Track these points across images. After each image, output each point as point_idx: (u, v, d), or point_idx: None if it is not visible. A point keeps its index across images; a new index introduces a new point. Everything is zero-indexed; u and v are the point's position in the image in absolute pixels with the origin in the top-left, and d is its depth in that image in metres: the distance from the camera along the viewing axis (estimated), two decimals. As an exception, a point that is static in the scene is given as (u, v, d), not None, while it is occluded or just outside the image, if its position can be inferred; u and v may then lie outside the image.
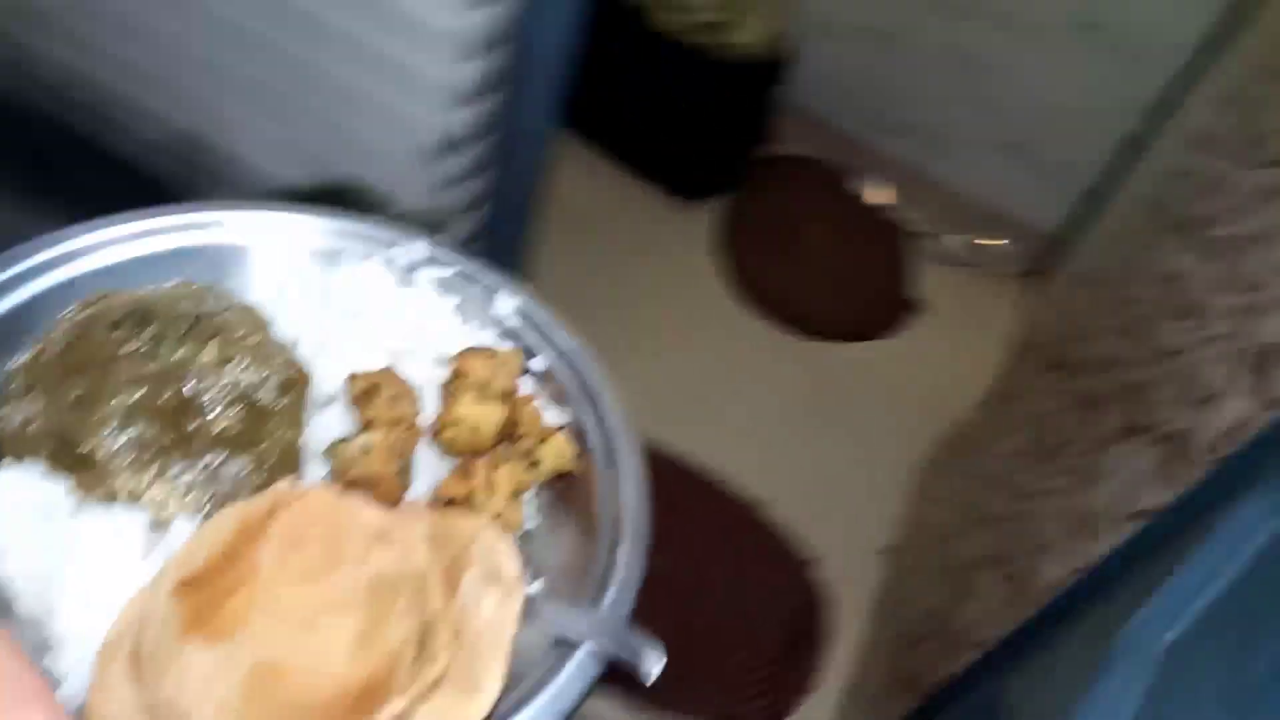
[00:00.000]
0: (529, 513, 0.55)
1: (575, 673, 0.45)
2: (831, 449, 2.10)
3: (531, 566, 0.52)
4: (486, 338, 0.60)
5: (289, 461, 0.52)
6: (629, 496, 0.53)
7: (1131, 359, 1.17)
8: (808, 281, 2.44)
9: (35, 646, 0.43)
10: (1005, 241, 2.62)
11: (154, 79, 1.03)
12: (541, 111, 0.99)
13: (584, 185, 2.42)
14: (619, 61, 2.30)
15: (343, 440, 0.52)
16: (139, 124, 1.08)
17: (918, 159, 2.68)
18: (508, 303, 0.61)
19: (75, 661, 0.43)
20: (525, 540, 0.54)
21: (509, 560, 0.46)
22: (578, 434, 0.57)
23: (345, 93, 0.93)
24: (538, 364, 0.59)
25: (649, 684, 0.44)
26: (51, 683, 0.43)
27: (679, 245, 2.44)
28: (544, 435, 0.54)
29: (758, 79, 2.38)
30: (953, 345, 2.43)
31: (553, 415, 0.58)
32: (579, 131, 2.49)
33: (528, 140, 1.00)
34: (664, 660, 0.44)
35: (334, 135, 1.00)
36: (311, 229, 0.61)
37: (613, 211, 2.45)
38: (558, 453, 0.54)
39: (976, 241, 2.63)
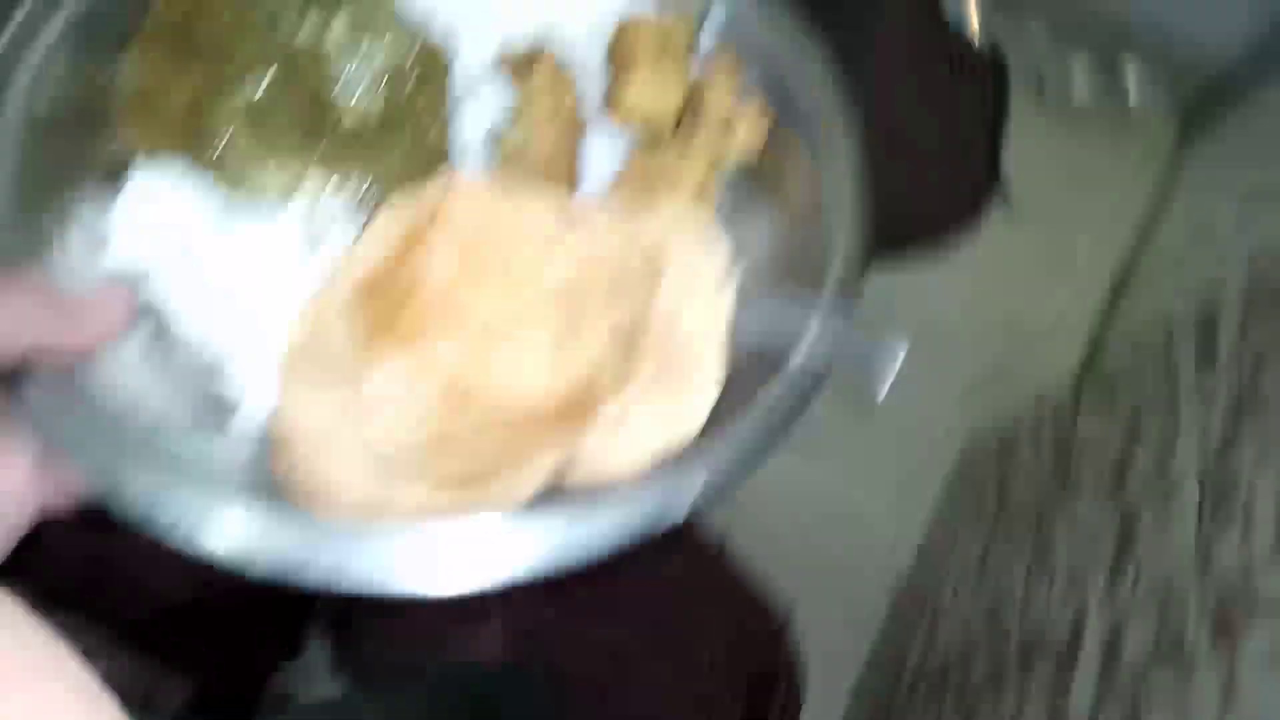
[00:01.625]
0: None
1: (795, 380, 0.39)
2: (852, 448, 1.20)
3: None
4: (646, 4, 0.51)
5: (438, 154, 0.45)
6: (838, 174, 0.45)
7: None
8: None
9: (201, 371, 0.40)
10: (1150, 79, 1.45)
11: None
12: None
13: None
14: None
15: (505, 125, 0.45)
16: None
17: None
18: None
19: (248, 380, 0.39)
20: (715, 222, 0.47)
21: (714, 252, 0.40)
22: (774, 100, 0.48)
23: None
24: (709, 36, 0.50)
25: (880, 399, 0.38)
26: (227, 407, 0.40)
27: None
28: (733, 113, 0.46)
29: None
30: (1058, 253, 1.33)
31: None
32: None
33: None
34: (898, 364, 0.38)
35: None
36: None
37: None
38: (752, 127, 0.46)
39: (1107, 76, 1.46)
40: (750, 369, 0.40)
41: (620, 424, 0.36)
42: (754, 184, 0.48)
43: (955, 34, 1.12)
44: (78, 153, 0.42)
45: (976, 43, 1.16)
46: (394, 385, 0.36)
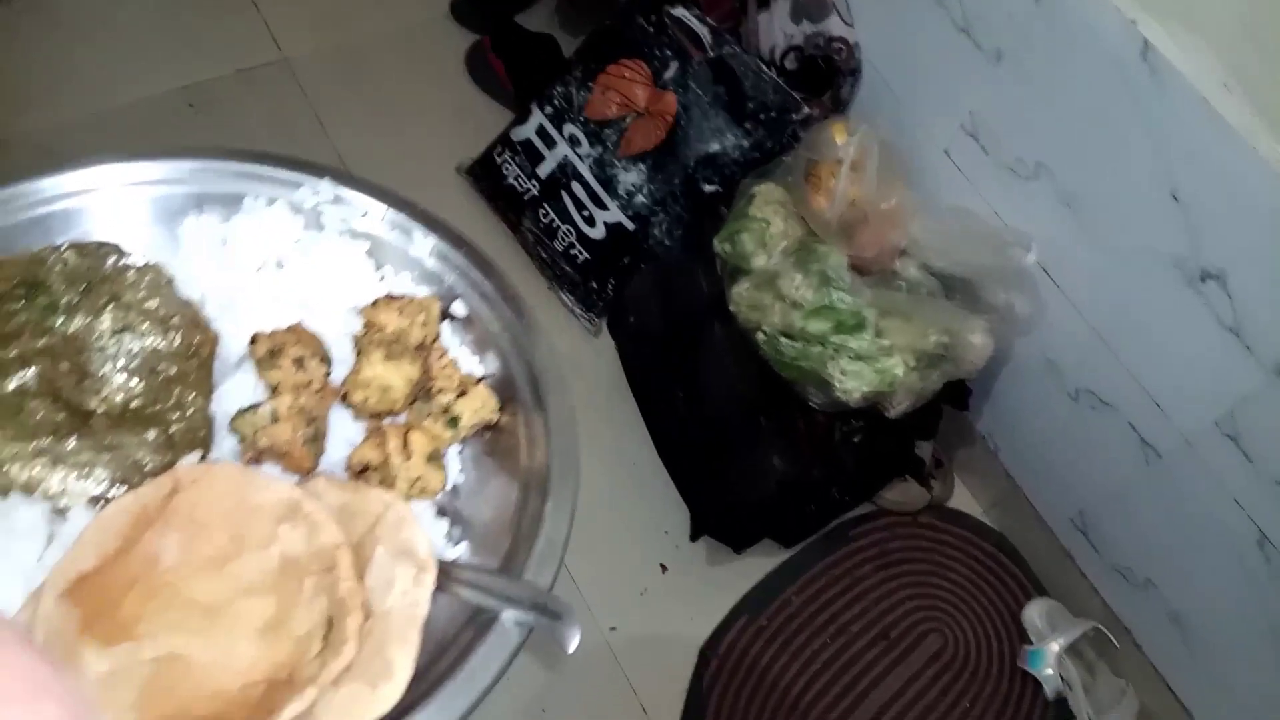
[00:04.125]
0: (456, 468, 0.53)
1: (495, 646, 0.44)
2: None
3: (459, 524, 0.51)
4: (402, 282, 0.57)
5: (199, 432, 0.50)
6: (557, 447, 0.52)
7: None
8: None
9: None
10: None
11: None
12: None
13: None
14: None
15: (248, 409, 0.49)
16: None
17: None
18: (424, 243, 0.58)
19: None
20: (453, 495, 0.53)
21: (419, 536, 0.45)
22: (504, 382, 0.54)
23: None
24: (459, 308, 0.57)
25: (569, 652, 0.43)
26: None
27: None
28: (463, 389, 0.52)
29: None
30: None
31: (474, 364, 0.55)
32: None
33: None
34: (579, 630, 0.43)
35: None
36: (207, 174, 0.57)
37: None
38: (479, 407, 0.52)
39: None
40: (458, 635, 0.45)
41: (317, 706, 0.40)
42: (486, 456, 0.54)
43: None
44: None
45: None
46: (96, 684, 0.39)
